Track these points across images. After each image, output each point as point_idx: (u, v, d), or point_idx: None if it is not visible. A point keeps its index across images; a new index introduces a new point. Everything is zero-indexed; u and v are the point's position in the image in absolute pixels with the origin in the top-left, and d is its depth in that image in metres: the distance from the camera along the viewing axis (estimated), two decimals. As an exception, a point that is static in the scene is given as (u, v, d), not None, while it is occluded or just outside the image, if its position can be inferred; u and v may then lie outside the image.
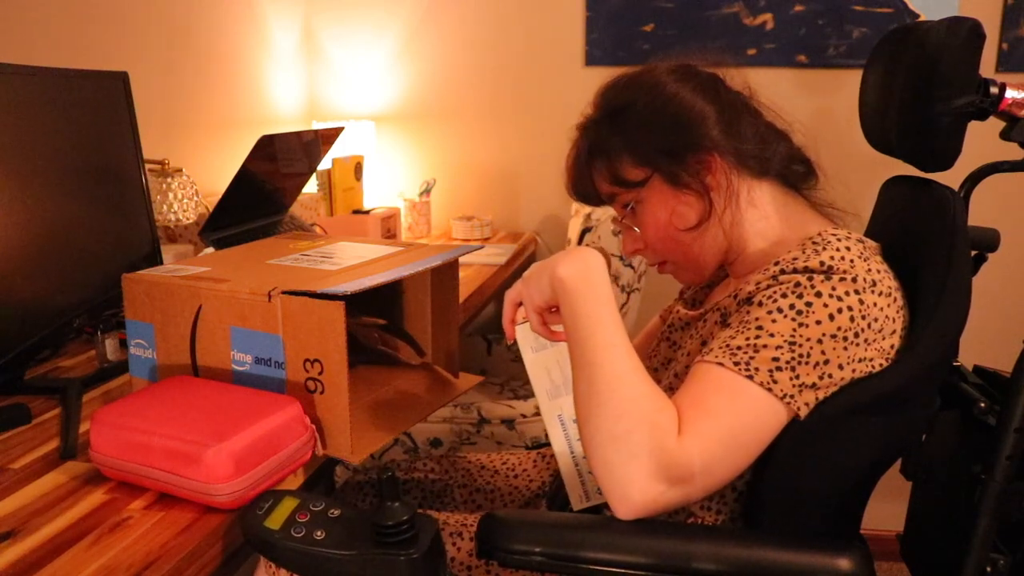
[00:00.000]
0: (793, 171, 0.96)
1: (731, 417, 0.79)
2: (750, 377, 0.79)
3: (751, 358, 0.79)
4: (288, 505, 0.73)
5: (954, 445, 0.97)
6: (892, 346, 0.83)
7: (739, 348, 0.80)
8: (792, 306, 0.80)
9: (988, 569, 0.87)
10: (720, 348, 0.82)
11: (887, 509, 1.46)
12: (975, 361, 1.03)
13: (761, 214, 0.94)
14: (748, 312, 0.83)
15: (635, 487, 0.75)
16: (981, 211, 1.25)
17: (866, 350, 0.81)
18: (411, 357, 1.15)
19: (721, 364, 0.80)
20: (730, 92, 0.95)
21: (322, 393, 0.85)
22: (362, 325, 1.15)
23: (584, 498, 1.01)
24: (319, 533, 0.69)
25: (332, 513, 0.72)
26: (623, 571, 0.75)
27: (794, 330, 0.79)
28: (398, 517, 0.67)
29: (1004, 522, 0.86)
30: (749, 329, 0.81)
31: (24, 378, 1.05)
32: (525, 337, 1.02)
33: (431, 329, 1.13)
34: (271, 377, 0.87)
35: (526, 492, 1.20)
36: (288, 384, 0.86)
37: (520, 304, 0.94)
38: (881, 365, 0.82)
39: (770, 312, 0.81)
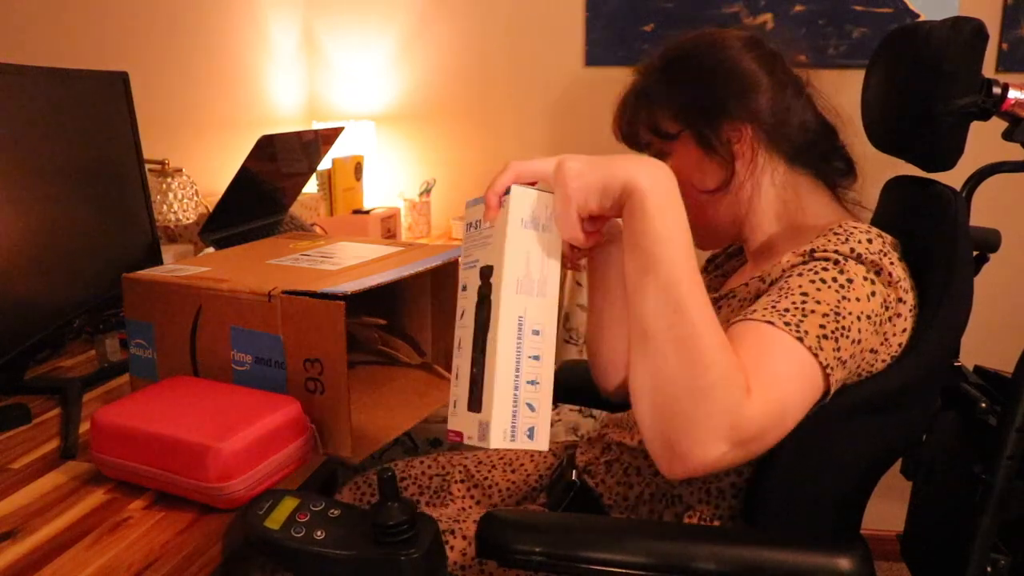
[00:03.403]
0: (833, 167, 0.96)
1: (788, 381, 0.74)
2: (800, 339, 0.74)
3: (800, 320, 0.75)
4: (288, 505, 0.72)
5: (954, 445, 0.96)
6: (900, 345, 0.82)
7: (786, 310, 0.76)
8: (835, 279, 0.78)
9: (988, 569, 0.87)
10: (765, 309, 0.77)
11: (887, 509, 1.46)
12: (976, 361, 1.02)
13: (782, 197, 0.94)
14: (786, 283, 0.80)
15: (702, 446, 0.68)
16: (983, 211, 1.25)
17: (881, 343, 0.80)
18: (411, 357, 1.15)
19: (772, 323, 0.75)
20: (787, 72, 0.95)
21: (322, 393, 0.85)
22: (362, 325, 1.15)
23: (509, 435, 0.74)
24: (319, 533, 0.69)
25: (332, 513, 0.72)
26: (623, 571, 0.75)
27: (839, 301, 0.77)
28: (398, 517, 0.67)
29: (1005, 522, 0.86)
30: (793, 294, 0.78)
31: (24, 378, 1.05)
32: (521, 204, 0.77)
33: (431, 329, 1.13)
34: (271, 377, 0.87)
35: (523, 486, 1.20)
36: (288, 384, 0.86)
37: (534, 183, 0.78)
38: (884, 363, 0.82)
39: (813, 281, 0.78)
